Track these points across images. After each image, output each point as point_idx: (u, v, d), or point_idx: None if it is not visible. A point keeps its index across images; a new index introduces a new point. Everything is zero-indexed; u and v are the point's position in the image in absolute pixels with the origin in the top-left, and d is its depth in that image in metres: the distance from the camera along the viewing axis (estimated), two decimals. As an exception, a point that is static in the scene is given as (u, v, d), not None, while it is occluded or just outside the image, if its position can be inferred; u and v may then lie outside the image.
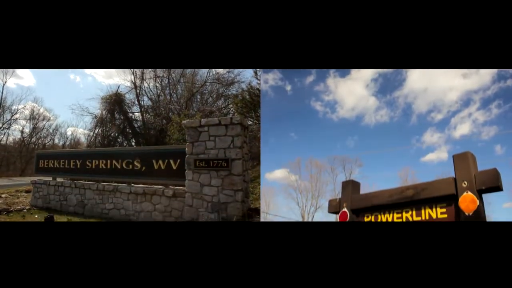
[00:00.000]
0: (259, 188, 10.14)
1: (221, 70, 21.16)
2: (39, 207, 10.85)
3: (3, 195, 13.80)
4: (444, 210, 2.89)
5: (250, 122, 12.06)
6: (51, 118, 36.52)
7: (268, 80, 26.28)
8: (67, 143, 36.72)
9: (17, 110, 33.37)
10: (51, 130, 36.47)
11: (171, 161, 8.02)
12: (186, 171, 7.34)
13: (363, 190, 3.67)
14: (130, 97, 23.24)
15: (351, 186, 3.64)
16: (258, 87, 13.37)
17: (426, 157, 30.67)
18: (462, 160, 2.80)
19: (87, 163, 10.08)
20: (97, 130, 22.79)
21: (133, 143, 22.20)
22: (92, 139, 23.11)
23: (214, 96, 21.97)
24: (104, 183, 9.42)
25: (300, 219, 24.38)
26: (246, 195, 7.08)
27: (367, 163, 31.90)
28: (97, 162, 9.83)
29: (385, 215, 3.28)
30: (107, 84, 66.36)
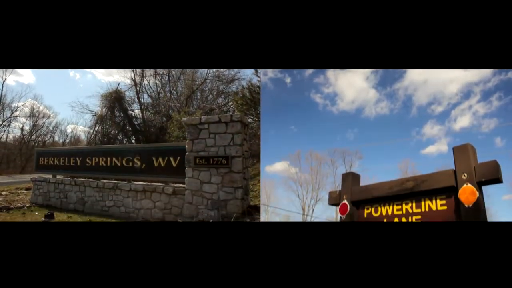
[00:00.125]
0: (259, 185, 10.15)
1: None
2: (39, 204, 10.86)
3: (3, 193, 13.81)
4: (444, 202, 2.90)
5: (250, 120, 12.05)
6: (51, 115, 36.61)
7: (267, 72, 26.20)
8: (67, 140, 36.76)
9: (17, 108, 33.39)
10: (51, 128, 36.52)
11: (171, 159, 8.02)
12: (186, 168, 7.33)
13: (363, 182, 3.67)
14: (130, 94, 23.28)
15: (351, 178, 3.64)
16: (258, 84, 13.36)
17: (426, 149, 30.69)
18: (462, 152, 2.80)
19: (87, 160, 10.08)
20: (97, 127, 22.80)
21: (133, 141, 22.20)
22: (92, 137, 23.12)
23: (214, 93, 21.96)
24: (104, 181, 9.42)
25: (301, 212, 24.42)
26: (246, 193, 7.08)
27: (367, 155, 31.89)
28: (97, 160, 9.83)
29: (385, 207, 3.28)
30: (107, 81, 66.30)
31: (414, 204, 3.08)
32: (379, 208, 3.33)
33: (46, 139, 35.96)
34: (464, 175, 2.72)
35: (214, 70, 21.54)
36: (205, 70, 21.77)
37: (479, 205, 2.61)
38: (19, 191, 14.59)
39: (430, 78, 25.64)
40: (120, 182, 9.05)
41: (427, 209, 2.99)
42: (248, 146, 7.54)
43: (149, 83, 23.74)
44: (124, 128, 22.55)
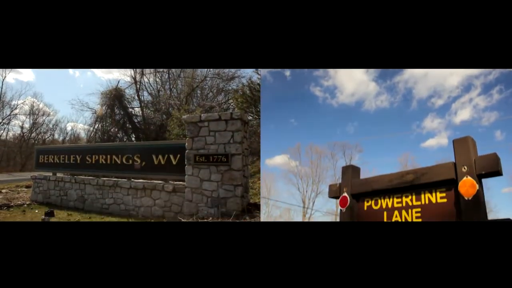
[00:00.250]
0: (259, 182, 10.15)
1: (221, 65, 21.06)
2: (39, 202, 10.87)
3: (3, 190, 13.83)
4: (443, 194, 2.90)
5: (250, 117, 12.04)
6: (51, 113, 36.56)
7: (267, 65, 26.09)
8: (67, 138, 36.76)
9: (17, 105, 33.37)
10: (51, 125, 36.50)
11: (171, 156, 8.02)
12: (186, 166, 7.33)
13: (363, 175, 3.67)
14: (130, 92, 23.23)
15: (351, 171, 3.64)
16: (258, 82, 13.34)
17: (426, 142, 30.67)
18: (462, 145, 2.80)
19: (87, 158, 10.08)
20: (97, 125, 22.79)
21: (133, 139, 22.19)
22: (92, 134, 23.12)
23: (215, 91, 21.93)
24: (104, 178, 9.42)
25: (301, 205, 24.47)
26: (245, 190, 7.08)
27: (367, 148, 31.85)
28: (97, 157, 9.83)
29: (385, 200, 3.29)
30: (106, 79, 66.18)
31: (414, 197, 3.09)
32: (379, 201, 3.33)
33: (46, 137, 35.98)
34: (464, 168, 2.72)
35: (214, 67, 21.52)
36: (205, 68, 21.75)
37: (479, 197, 2.61)
38: (19, 189, 14.61)
39: (430, 71, 25.52)
40: (120, 179, 9.05)
41: (427, 202, 2.99)
42: (248, 144, 7.54)
43: (149, 80, 23.74)
44: (124, 126, 22.53)
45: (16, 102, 33.76)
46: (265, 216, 22.84)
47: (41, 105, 35.83)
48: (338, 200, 3.63)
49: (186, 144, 7.37)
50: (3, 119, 32.20)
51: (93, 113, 23.41)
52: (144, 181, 8.58)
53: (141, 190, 8.40)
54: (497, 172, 2.62)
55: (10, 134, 33.80)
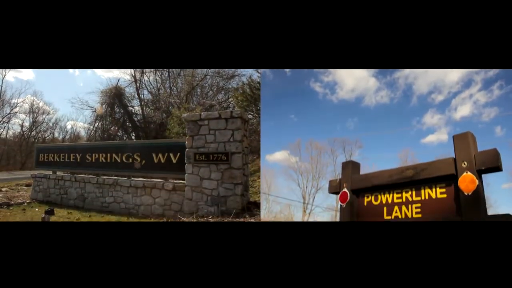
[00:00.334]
0: (259, 181, 10.16)
1: (221, 64, 21.01)
2: (39, 200, 10.88)
3: (3, 189, 13.84)
4: (443, 190, 2.89)
5: (250, 116, 12.04)
6: (51, 111, 36.50)
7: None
8: (67, 137, 36.74)
9: (17, 104, 33.33)
10: (51, 124, 36.47)
11: (171, 155, 8.02)
12: (186, 164, 7.33)
13: (363, 171, 3.66)
14: (130, 90, 23.22)
15: (351, 167, 3.63)
16: (258, 80, 13.32)
17: (426, 138, 30.61)
18: (462, 140, 2.80)
19: (87, 156, 10.08)
20: (97, 124, 22.80)
21: (133, 137, 22.19)
22: (92, 133, 23.13)
23: (215, 89, 21.92)
24: (104, 177, 9.43)
25: (301, 200, 24.49)
26: (245, 189, 7.09)
27: (367, 144, 31.75)
28: (97, 156, 9.83)
29: (385, 195, 3.29)
30: (106, 77, 66.17)
31: (414, 192, 3.08)
32: (379, 196, 3.33)
33: (46, 135, 35.98)
34: (464, 163, 2.72)
35: (214, 66, 21.46)
36: (205, 66, 21.69)
37: (479, 193, 2.61)
38: (19, 187, 14.62)
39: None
40: (120, 178, 9.06)
41: (426, 197, 2.99)
42: (248, 142, 7.54)
43: (149, 79, 23.72)
44: (124, 125, 22.53)
45: (16, 101, 33.75)
46: (265, 211, 22.88)
47: (41, 104, 35.82)
48: (338, 196, 3.62)
49: (186, 142, 7.37)
50: (3, 118, 32.20)
51: (93, 111, 23.42)
52: (144, 179, 8.58)
53: (141, 188, 8.40)
54: (497, 168, 2.61)
55: (10, 132, 33.82)
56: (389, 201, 3.24)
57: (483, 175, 2.68)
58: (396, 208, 3.17)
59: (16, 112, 33.34)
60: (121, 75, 26.10)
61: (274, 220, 23.10)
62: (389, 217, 3.19)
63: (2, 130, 32.52)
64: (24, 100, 35.18)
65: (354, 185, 3.52)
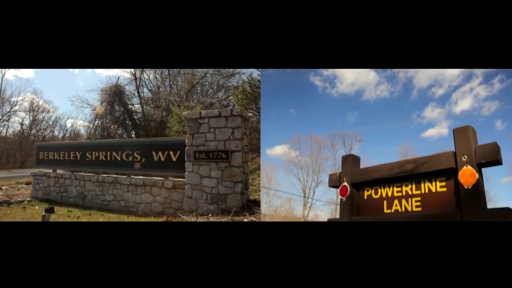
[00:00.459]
0: (259, 179, 10.16)
1: (221, 62, 20.93)
2: (39, 198, 10.89)
3: (3, 187, 13.84)
4: (443, 183, 2.90)
5: (250, 114, 12.02)
6: (51, 110, 36.51)
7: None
8: (67, 135, 36.75)
9: (17, 102, 33.31)
10: (50, 122, 36.50)
11: (171, 153, 8.01)
12: (186, 162, 7.33)
13: (363, 165, 3.66)
14: (130, 88, 23.19)
15: (351, 160, 3.63)
16: (258, 78, 13.30)
17: (426, 132, 30.66)
18: (462, 134, 2.79)
19: (87, 155, 10.08)
20: (97, 122, 22.78)
21: (133, 135, 22.18)
22: (92, 131, 23.11)
23: (215, 87, 21.88)
24: (104, 175, 9.43)
25: (302, 194, 24.53)
26: (245, 187, 7.09)
27: (367, 138, 31.79)
28: (97, 154, 9.83)
29: (385, 189, 3.29)
30: (106, 75, 66.10)
31: (414, 186, 3.09)
32: (379, 190, 3.34)
33: (46, 133, 35.99)
34: (464, 157, 2.71)
35: (214, 64, 21.36)
36: (205, 64, 21.59)
37: (479, 187, 2.61)
38: (19, 186, 14.63)
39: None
40: (120, 176, 9.06)
41: (426, 191, 2.99)
42: (248, 141, 7.53)
43: (149, 77, 23.68)
44: (124, 123, 22.51)
45: (15, 99, 33.70)
46: (266, 205, 22.93)
47: (40, 102, 35.80)
48: (338, 190, 3.62)
49: (186, 140, 7.36)
50: (2, 116, 32.20)
51: (93, 109, 23.40)
52: (144, 177, 8.58)
53: (141, 186, 8.40)
54: (497, 161, 2.61)
55: (10, 131, 33.83)
56: (389, 194, 3.25)
57: (483, 169, 2.67)
58: (396, 201, 3.17)
59: (16, 110, 33.38)
60: (121, 73, 26.10)
61: (274, 214, 23.15)
62: (389, 211, 3.19)
63: (2, 128, 32.54)
64: (24, 98, 35.18)
65: (354, 179, 3.52)
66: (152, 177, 8.44)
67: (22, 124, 34.34)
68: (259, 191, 9.06)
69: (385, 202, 3.26)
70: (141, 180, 8.42)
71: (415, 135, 28.90)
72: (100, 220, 7.74)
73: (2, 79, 35.74)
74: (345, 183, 3.54)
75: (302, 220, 23.78)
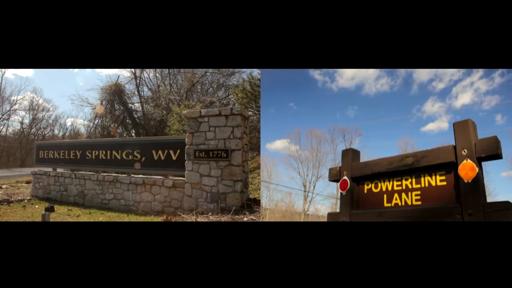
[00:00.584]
0: (259, 178, 10.16)
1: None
2: (39, 197, 10.89)
3: (3, 186, 13.85)
4: (443, 177, 2.90)
5: (250, 113, 12.02)
6: (51, 108, 36.60)
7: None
8: (67, 133, 36.75)
9: (16, 101, 33.33)
10: (50, 121, 36.53)
11: (171, 152, 8.01)
12: (186, 161, 7.33)
13: (363, 159, 3.66)
14: (130, 87, 23.16)
15: (351, 154, 3.63)
16: (259, 77, 13.29)
17: (426, 126, 30.66)
18: (462, 127, 2.79)
19: (87, 153, 10.08)
20: (97, 120, 22.77)
21: (133, 134, 22.17)
22: (91, 130, 23.10)
23: (215, 86, 21.85)
24: (104, 174, 9.43)
25: (302, 188, 24.56)
26: (245, 186, 7.09)
27: (367, 133, 31.78)
28: (97, 153, 9.83)
29: (385, 183, 3.30)
30: (106, 74, 66.06)
31: (413, 180, 3.08)
32: (379, 184, 3.34)
33: (46, 132, 36.00)
34: (464, 151, 2.71)
35: (215, 62, 21.30)
36: (205, 63, 21.54)
37: (478, 180, 2.61)
38: (19, 184, 14.64)
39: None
40: (120, 175, 9.06)
41: (426, 185, 2.99)
42: (248, 139, 7.53)
43: (149, 76, 23.66)
44: (124, 121, 22.51)
45: (15, 98, 33.74)
46: (266, 199, 22.96)
47: (40, 101, 35.84)
48: (338, 184, 3.63)
49: (186, 139, 7.36)
50: (2, 115, 32.21)
51: (92, 108, 23.39)
52: (144, 176, 8.59)
53: (141, 185, 8.40)
54: (497, 155, 2.60)
55: (10, 129, 33.86)
56: (389, 188, 3.25)
57: (483, 163, 2.68)
58: (396, 195, 3.18)
59: (15, 109, 33.42)
60: (121, 72, 26.03)
61: (275, 208, 23.19)
62: (389, 205, 3.20)
63: (2, 127, 32.54)
64: (24, 97, 35.22)
65: (354, 172, 3.53)
66: (152, 176, 8.45)
67: (22, 123, 34.38)
68: (259, 189, 9.07)
69: (385, 196, 3.26)
70: (141, 179, 8.42)
71: (415, 129, 28.87)
72: (100, 218, 7.75)
73: (2, 77, 35.71)
74: (345, 177, 3.55)
75: (302, 213, 23.89)
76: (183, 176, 7.46)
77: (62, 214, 8.33)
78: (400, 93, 28.39)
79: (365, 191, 3.45)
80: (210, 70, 20.72)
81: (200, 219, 5.93)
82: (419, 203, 3.00)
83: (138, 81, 22.83)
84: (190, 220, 5.86)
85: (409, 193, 3.09)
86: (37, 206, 9.44)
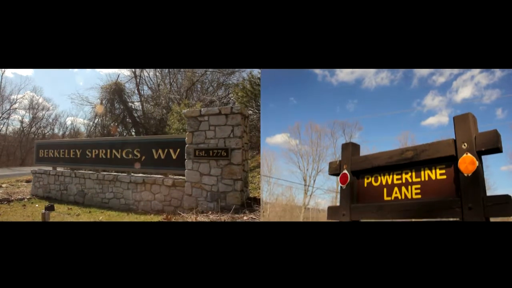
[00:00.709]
0: (259, 177, 10.16)
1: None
2: (39, 196, 10.90)
3: (3, 185, 13.86)
4: (443, 171, 2.89)
5: (250, 112, 12.01)
6: (51, 107, 36.59)
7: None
8: (66, 132, 36.75)
9: (16, 100, 33.33)
10: (50, 120, 36.54)
11: (171, 151, 8.01)
12: (186, 160, 7.33)
13: (363, 153, 3.66)
14: (130, 86, 23.17)
15: (350, 148, 3.63)
16: (259, 76, 13.28)
17: (427, 121, 30.64)
18: (462, 121, 2.78)
19: (87, 152, 10.07)
20: (97, 120, 22.78)
21: (133, 133, 22.17)
22: (92, 129, 23.11)
23: (215, 85, 21.85)
24: (104, 173, 9.43)
25: (302, 182, 24.57)
26: (245, 185, 7.09)
27: (367, 127, 31.70)
28: (97, 152, 9.82)
29: (385, 177, 3.30)
30: (106, 73, 66.03)
31: (413, 174, 3.08)
32: (379, 178, 3.34)
33: (46, 131, 36.02)
34: (464, 145, 2.71)
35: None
36: (205, 61, 21.52)
37: (478, 174, 2.60)
38: (19, 183, 14.65)
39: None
40: (120, 174, 9.06)
41: (426, 179, 2.99)
42: (248, 138, 7.53)
43: (149, 75, 23.66)
44: (124, 120, 22.51)
45: (15, 97, 33.74)
46: (267, 194, 22.98)
47: (40, 100, 35.83)
48: (339, 177, 3.63)
49: (186, 138, 7.36)
50: (2, 114, 32.21)
51: (92, 107, 23.39)
52: (144, 175, 8.59)
53: (141, 184, 8.40)
54: (497, 149, 2.60)
55: (10, 128, 33.86)
56: (389, 182, 3.25)
57: (483, 157, 2.67)
58: (396, 189, 3.18)
59: (15, 108, 33.43)
60: (121, 71, 25.96)
61: (275, 202, 23.19)
62: (389, 198, 3.20)
63: (1, 126, 32.55)
64: (24, 96, 35.15)
65: (354, 166, 3.53)
66: (152, 175, 8.45)
67: (22, 122, 34.39)
68: (259, 188, 9.07)
69: (385, 189, 3.26)
70: (141, 178, 8.42)
71: (416, 123, 28.81)
72: (100, 217, 7.75)
73: (1, 76, 35.71)
74: (345, 171, 3.55)
75: (303, 207, 23.92)
76: (183, 175, 7.46)
77: (62, 213, 8.34)
78: (400, 87, 28.38)
79: (365, 184, 3.45)
80: (210, 69, 20.71)
81: (200, 218, 5.93)
82: (419, 196, 3.00)
83: (138, 80, 22.85)
84: (190, 219, 5.85)
85: (409, 187, 3.09)
86: (37, 205, 9.45)
